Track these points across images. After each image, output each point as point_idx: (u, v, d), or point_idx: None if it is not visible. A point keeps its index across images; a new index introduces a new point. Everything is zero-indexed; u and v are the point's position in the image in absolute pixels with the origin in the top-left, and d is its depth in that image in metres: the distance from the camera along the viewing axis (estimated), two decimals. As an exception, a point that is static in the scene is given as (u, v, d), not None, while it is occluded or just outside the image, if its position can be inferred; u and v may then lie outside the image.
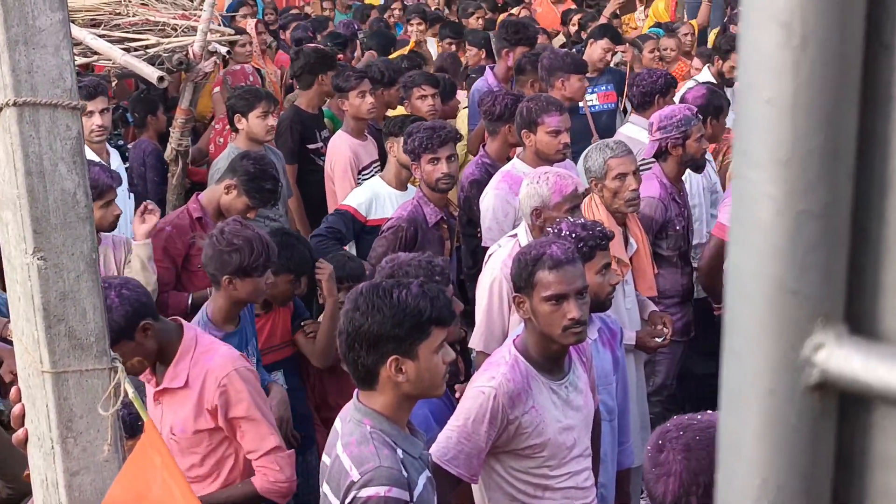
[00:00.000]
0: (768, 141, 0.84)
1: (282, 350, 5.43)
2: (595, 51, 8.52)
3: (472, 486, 4.06)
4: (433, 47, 10.67)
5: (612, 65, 8.82)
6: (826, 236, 0.85)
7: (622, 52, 9.24)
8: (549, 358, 4.01)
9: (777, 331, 0.86)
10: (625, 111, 8.27)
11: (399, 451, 3.21)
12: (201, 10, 7.59)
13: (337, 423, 3.36)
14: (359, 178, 7.21)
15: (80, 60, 7.02)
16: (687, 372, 6.47)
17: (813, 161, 0.84)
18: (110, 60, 7.13)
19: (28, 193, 2.44)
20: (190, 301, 5.66)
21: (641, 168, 5.97)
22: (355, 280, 5.15)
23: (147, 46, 7.35)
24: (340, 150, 7.33)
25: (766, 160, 0.84)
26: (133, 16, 7.96)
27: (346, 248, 6.52)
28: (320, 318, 5.55)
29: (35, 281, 2.46)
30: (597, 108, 8.30)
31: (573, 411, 4.03)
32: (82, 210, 2.51)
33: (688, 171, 6.29)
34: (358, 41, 10.70)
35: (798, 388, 0.86)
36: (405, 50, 9.87)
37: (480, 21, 11.20)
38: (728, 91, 8.19)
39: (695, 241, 6.43)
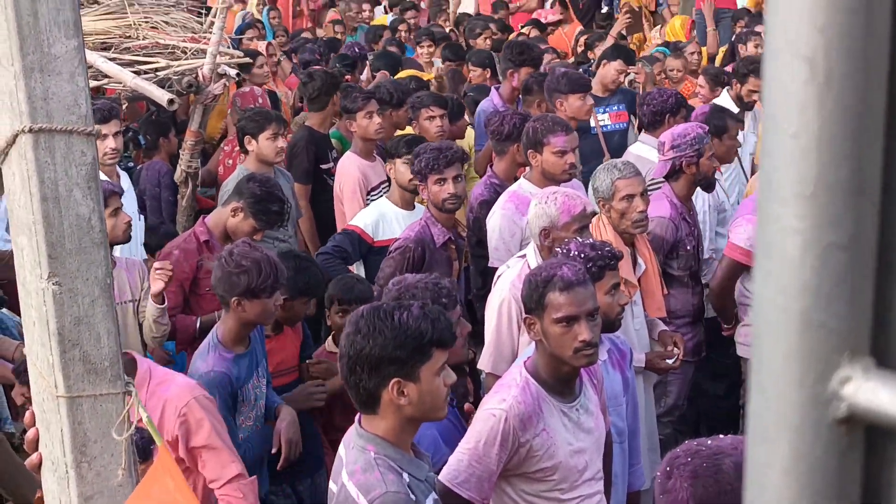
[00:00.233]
0: (794, 175, 0.84)
1: (292, 373, 5.43)
2: (608, 71, 8.53)
3: (484, 509, 4.05)
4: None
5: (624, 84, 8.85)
6: (852, 269, 0.85)
7: (635, 73, 9.24)
8: (560, 380, 4.01)
9: (804, 364, 0.86)
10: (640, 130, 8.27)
11: (405, 475, 3.19)
12: (211, 33, 7.62)
13: (341, 450, 3.35)
14: (368, 199, 7.22)
15: (91, 83, 7.02)
16: (697, 392, 6.46)
17: (838, 195, 0.84)
18: (121, 83, 7.15)
19: (43, 219, 2.45)
20: (198, 325, 5.66)
21: (651, 187, 5.97)
22: (362, 303, 5.15)
23: (157, 69, 7.37)
24: (349, 170, 7.34)
25: (792, 194, 0.85)
26: (143, 39, 7.98)
27: (353, 268, 6.53)
28: (326, 344, 5.56)
29: (50, 306, 2.47)
30: (608, 127, 8.31)
31: (584, 434, 4.03)
32: (97, 235, 2.52)
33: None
34: (367, 63, 10.72)
35: (825, 421, 0.87)
36: (428, 76, 9.85)
37: (488, 41, 11.21)
38: (748, 115, 8.18)
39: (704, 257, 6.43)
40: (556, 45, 11.88)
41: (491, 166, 6.97)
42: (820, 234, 0.85)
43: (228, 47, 9.19)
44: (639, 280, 5.59)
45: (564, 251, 4.48)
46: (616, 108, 8.33)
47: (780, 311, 0.87)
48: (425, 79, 9.53)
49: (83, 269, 2.49)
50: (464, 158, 6.24)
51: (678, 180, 6.12)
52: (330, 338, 5.58)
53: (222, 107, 8.96)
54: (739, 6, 12.76)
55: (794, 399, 0.87)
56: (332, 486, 3.35)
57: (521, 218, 6.00)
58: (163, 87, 6.91)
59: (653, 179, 6.17)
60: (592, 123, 8.22)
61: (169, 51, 7.86)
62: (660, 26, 12.80)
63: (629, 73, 8.95)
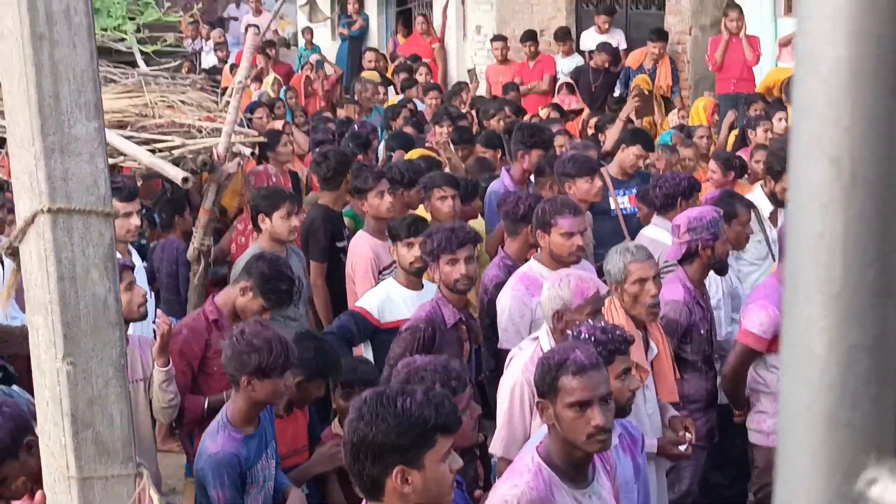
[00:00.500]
0: (820, 275, 0.85)
1: (301, 454, 5.40)
2: (627, 156, 8.57)
3: None
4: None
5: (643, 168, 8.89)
6: (877, 369, 0.85)
7: (655, 159, 9.28)
8: (573, 465, 3.97)
9: (830, 463, 0.86)
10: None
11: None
12: (226, 112, 7.69)
13: None
14: (380, 277, 7.21)
15: (107, 161, 7.10)
16: (702, 480, 6.39)
17: (864, 295, 0.84)
18: (136, 161, 7.21)
19: (60, 298, 2.46)
20: (206, 405, 5.63)
21: (664, 271, 5.96)
22: (365, 385, 5.11)
23: (172, 148, 7.44)
24: (361, 250, 7.35)
25: (818, 294, 0.85)
26: (159, 118, 8.07)
27: (361, 348, 6.51)
28: (332, 426, 5.54)
29: (64, 386, 2.47)
30: (628, 210, 8.32)
31: (597, 521, 3.99)
32: (113, 315, 2.53)
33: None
34: (382, 142, 10.78)
35: (851, 521, 0.86)
36: (446, 156, 9.91)
37: (502, 123, 11.27)
38: (781, 212, 8.16)
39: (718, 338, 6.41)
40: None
41: (503, 247, 6.98)
42: (845, 333, 0.85)
43: (244, 126, 9.28)
44: (651, 364, 5.57)
45: (575, 334, 4.47)
46: (635, 191, 8.35)
47: (805, 409, 0.87)
48: (439, 158, 9.58)
49: (98, 350, 2.50)
50: (476, 239, 6.24)
51: (692, 264, 6.12)
52: (336, 419, 5.56)
53: (236, 185, 9.01)
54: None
55: (820, 498, 0.87)
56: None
57: (531, 299, 5.99)
58: (177, 166, 6.96)
59: (666, 262, 6.17)
60: (612, 206, 8.26)
61: (185, 129, 7.94)
62: (677, 109, 12.87)
63: (648, 158, 8.99)
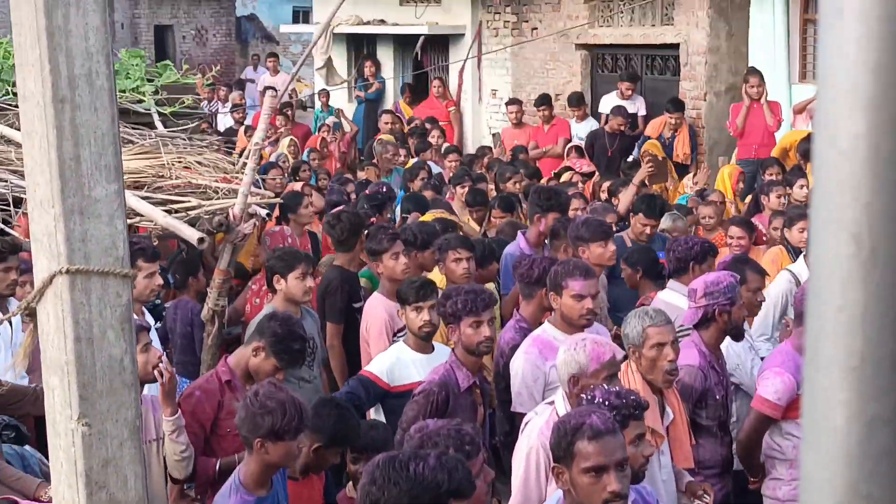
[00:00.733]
0: (840, 348, 0.85)
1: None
2: (636, 224, 8.63)
3: None
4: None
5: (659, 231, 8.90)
6: (897, 443, 0.86)
7: (670, 229, 9.26)
8: (588, 531, 3.95)
9: (850, 537, 0.86)
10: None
11: None
12: (243, 173, 7.73)
13: None
14: (394, 339, 7.20)
15: (122, 221, 7.15)
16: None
17: (883, 368, 0.85)
18: (152, 221, 7.25)
19: (76, 360, 2.47)
20: (218, 467, 5.61)
21: (679, 335, 5.95)
22: (376, 451, 5.09)
23: (188, 208, 7.47)
24: (376, 312, 7.35)
25: (838, 366, 0.85)
26: (176, 178, 8.12)
27: (371, 412, 6.49)
28: (347, 489, 5.51)
29: (78, 447, 2.47)
30: None
31: (611, 588, 3.95)
32: (128, 376, 2.53)
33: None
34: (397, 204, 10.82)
35: None
36: (465, 219, 9.95)
37: (517, 186, 11.31)
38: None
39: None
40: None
41: (518, 310, 6.97)
42: (865, 406, 0.85)
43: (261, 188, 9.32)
44: (667, 429, 5.54)
45: (589, 398, 4.46)
46: (658, 255, 8.36)
47: (825, 482, 0.87)
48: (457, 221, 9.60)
49: (113, 411, 2.50)
50: (495, 302, 6.24)
51: (708, 328, 6.10)
52: (350, 483, 5.53)
53: (250, 246, 9.04)
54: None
55: (841, 572, 0.86)
56: None
57: (545, 363, 5.98)
58: (193, 226, 6.99)
59: (681, 326, 6.16)
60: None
61: (201, 190, 7.97)
62: (692, 174, 12.88)
63: (659, 225, 8.99)
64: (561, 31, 16.36)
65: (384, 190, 10.72)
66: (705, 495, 5.45)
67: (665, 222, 9.13)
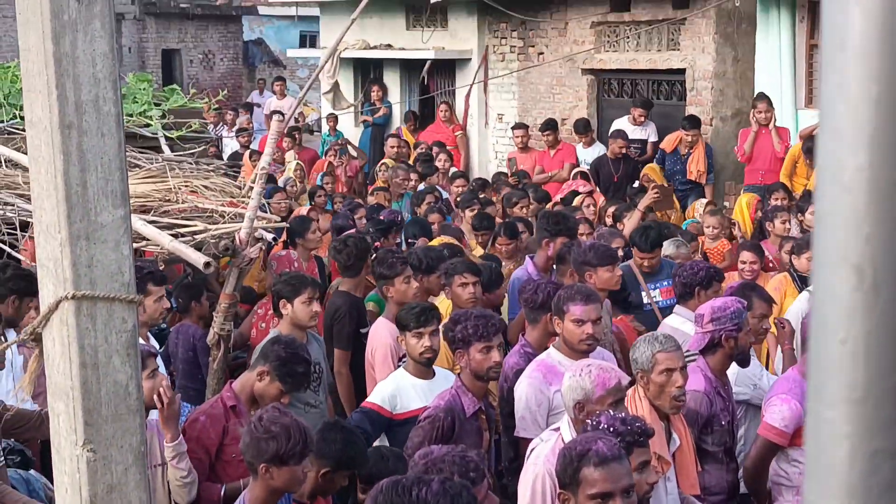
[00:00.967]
0: (843, 380, 0.85)
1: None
2: (635, 256, 8.62)
3: None
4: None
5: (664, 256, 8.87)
6: (901, 476, 0.85)
7: (674, 257, 9.24)
8: (594, 557, 3.93)
9: (853, 571, 0.86)
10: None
11: None
12: (249, 197, 7.74)
13: None
14: (400, 364, 7.19)
15: (129, 245, 7.17)
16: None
17: (887, 401, 0.84)
18: (159, 246, 7.25)
19: (81, 385, 2.47)
20: (223, 492, 5.60)
21: (685, 360, 5.94)
22: (378, 478, 5.07)
23: (195, 233, 7.48)
24: (382, 337, 7.33)
25: (841, 399, 0.85)
26: (182, 203, 8.13)
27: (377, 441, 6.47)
28: None
29: (83, 473, 2.47)
30: (662, 303, 8.33)
31: None
32: (133, 402, 2.53)
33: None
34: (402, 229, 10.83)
35: None
36: (472, 244, 9.95)
37: (525, 210, 11.31)
38: None
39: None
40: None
41: (523, 335, 6.96)
42: (868, 439, 0.85)
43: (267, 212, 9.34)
44: (673, 456, 5.52)
45: (594, 424, 4.45)
46: (666, 283, 8.35)
47: (829, 516, 0.87)
48: (466, 246, 9.61)
49: (118, 437, 2.50)
50: (504, 327, 6.23)
51: (715, 354, 6.10)
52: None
53: (254, 271, 9.05)
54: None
55: None
56: None
57: (548, 387, 5.97)
58: (199, 250, 7.00)
59: (688, 351, 6.15)
60: (646, 300, 8.27)
61: (207, 214, 7.98)
62: (705, 201, 12.86)
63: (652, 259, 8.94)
64: (567, 55, 16.40)
65: (397, 218, 10.73)
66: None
67: (668, 249, 9.11)
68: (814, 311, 0.88)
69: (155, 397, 5.30)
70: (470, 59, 18.33)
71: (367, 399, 6.54)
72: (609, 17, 15.96)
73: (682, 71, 15.04)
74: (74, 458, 2.48)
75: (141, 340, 6.17)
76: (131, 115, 11.67)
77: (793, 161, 12.78)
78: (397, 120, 19.60)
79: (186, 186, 8.66)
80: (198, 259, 6.71)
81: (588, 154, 15.28)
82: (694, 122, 13.89)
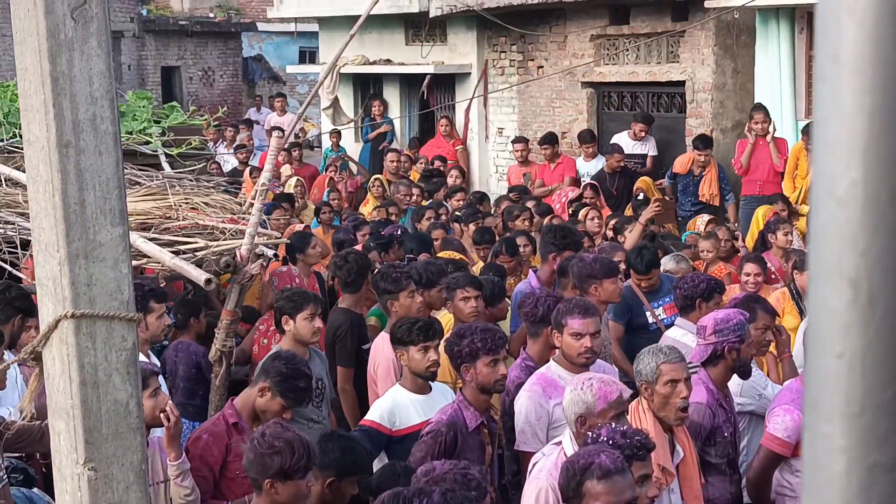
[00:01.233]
0: (840, 394, 0.85)
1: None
2: (633, 277, 8.61)
3: None
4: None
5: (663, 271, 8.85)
6: (899, 489, 0.85)
7: (675, 272, 9.23)
8: (597, 571, 3.92)
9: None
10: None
11: None
12: (250, 214, 7.75)
13: None
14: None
15: (130, 262, 7.17)
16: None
17: (884, 415, 0.84)
18: (159, 263, 7.25)
19: (82, 404, 2.47)
20: (227, 510, 5.60)
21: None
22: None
23: (196, 249, 7.48)
24: (384, 351, 7.31)
25: (838, 413, 0.85)
26: (183, 220, 8.13)
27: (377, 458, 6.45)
28: None
29: (85, 491, 2.47)
30: (667, 320, 8.32)
31: None
32: (134, 420, 2.53)
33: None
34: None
35: None
36: (474, 258, 9.95)
37: (526, 223, 11.30)
38: None
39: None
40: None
41: (524, 348, 6.95)
42: (866, 453, 0.85)
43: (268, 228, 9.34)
44: (677, 468, 5.51)
45: (594, 436, 4.44)
46: (668, 299, 8.34)
47: (827, 530, 0.86)
48: (468, 260, 9.59)
49: (119, 455, 2.50)
50: (507, 340, 6.24)
51: (717, 366, 6.09)
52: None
53: (255, 288, 9.04)
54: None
55: None
56: None
57: (548, 401, 5.97)
58: (200, 267, 6.99)
59: (689, 363, 6.14)
60: (651, 319, 8.27)
61: (208, 231, 7.98)
62: (732, 221, 12.87)
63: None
64: (566, 69, 16.41)
65: (398, 232, 10.72)
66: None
67: (668, 264, 9.11)
68: (810, 325, 0.87)
69: (162, 416, 5.31)
70: (469, 74, 18.36)
71: (366, 416, 6.51)
72: (608, 29, 15.98)
73: (681, 83, 15.05)
74: (76, 477, 2.48)
75: (142, 357, 6.20)
76: (131, 133, 11.68)
77: (795, 158, 12.77)
78: (397, 135, 19.63)
79: (187, 203, 8.66)
80: (199, 276, 6.71)
81: (589, 167, 15.27)
82: (706, 143, 13.75)
